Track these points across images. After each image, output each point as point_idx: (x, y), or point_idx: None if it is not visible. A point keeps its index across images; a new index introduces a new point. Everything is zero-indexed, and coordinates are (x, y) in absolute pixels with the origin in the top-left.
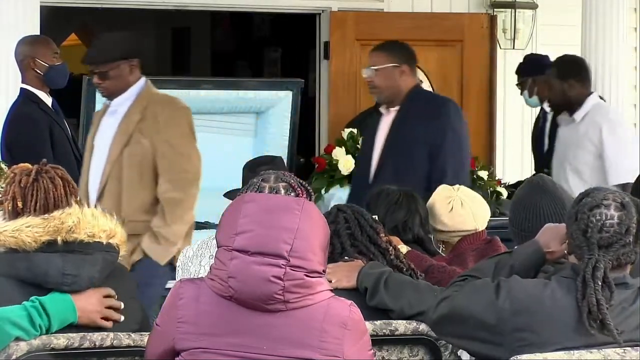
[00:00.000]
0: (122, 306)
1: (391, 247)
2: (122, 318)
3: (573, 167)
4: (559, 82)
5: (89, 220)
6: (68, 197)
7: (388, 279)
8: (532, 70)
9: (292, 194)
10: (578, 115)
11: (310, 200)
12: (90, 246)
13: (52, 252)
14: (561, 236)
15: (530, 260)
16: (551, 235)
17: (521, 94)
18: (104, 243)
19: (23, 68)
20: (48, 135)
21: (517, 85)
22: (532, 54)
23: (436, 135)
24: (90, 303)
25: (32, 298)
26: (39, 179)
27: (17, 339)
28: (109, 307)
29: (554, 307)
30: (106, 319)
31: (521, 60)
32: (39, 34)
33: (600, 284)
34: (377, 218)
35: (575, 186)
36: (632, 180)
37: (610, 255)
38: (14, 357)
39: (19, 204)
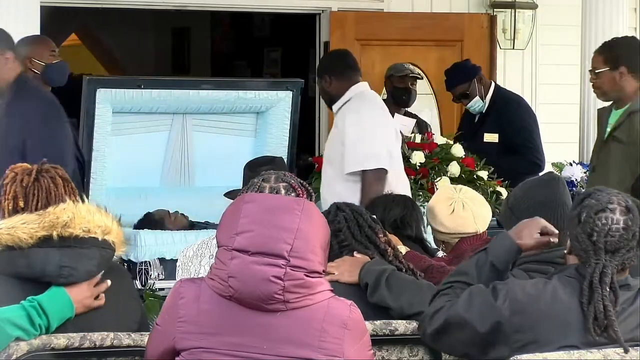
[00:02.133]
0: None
1: (390, 248)
2: (109, 282)
3: (327, 157)
4: (319, 80)
5: (84, 216)
6: (69, 197)
7: (390, 277)
8: (468, 75)
9: (293, 194)
10: (335, 107)
11: (310, 200)
12: (86, 241)
13: (48, 247)
14: (535, 230)
15: (508, 255)
16: (524, 230)
17: (467, 104)
18: (100, 239)
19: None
20: None
21: (461, 99)
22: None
23: (28, 125)
24: (83, 291)
25: (29, 298)
26: (40, 178)
27: (17, 339)
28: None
29: (555, 305)
30: (97, 297)
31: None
32: (39, 34)
33: (607, 289)
34: (375, 217)
35: (329, 176)
36: (367, 167)
37: (617, 260)
38: (14, 357)
39: (20, 204)
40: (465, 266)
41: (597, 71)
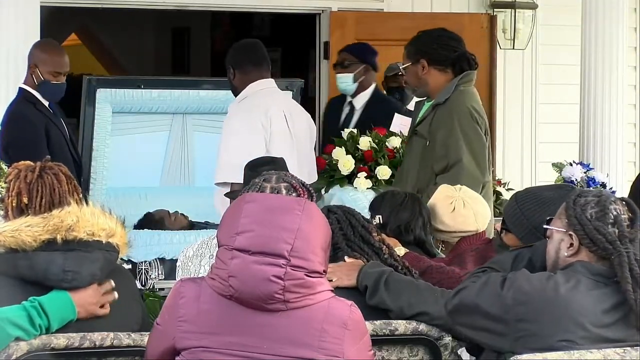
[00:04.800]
0: (114, 284)
1: (385, 246)
2: (116, 295)
3: None
4: (227, 71)
5: (88, 219)
6: (72, 194)
7: (388, 279)
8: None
9: (294, 194)
10: (235, 101)
11: (312, 200)
12: (90, 245)
13: (52, 250)
14: None
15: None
16: None
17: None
18: (104, 242)
19: (28, 69)
20: (44, 135)
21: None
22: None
23: None
24: (87, 296)
25: (31, 298)
26: (44, 175)
27: (17, 339)
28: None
29: (556, 300)
30: (102, 306)
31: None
32: (39, 34)
33: None
34: (381, 218)
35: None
36: (235, 180)
37: (636, 249)
38: (14, 357)
39: (25, 200)
40: (505, 256)
41: (402, 66)
